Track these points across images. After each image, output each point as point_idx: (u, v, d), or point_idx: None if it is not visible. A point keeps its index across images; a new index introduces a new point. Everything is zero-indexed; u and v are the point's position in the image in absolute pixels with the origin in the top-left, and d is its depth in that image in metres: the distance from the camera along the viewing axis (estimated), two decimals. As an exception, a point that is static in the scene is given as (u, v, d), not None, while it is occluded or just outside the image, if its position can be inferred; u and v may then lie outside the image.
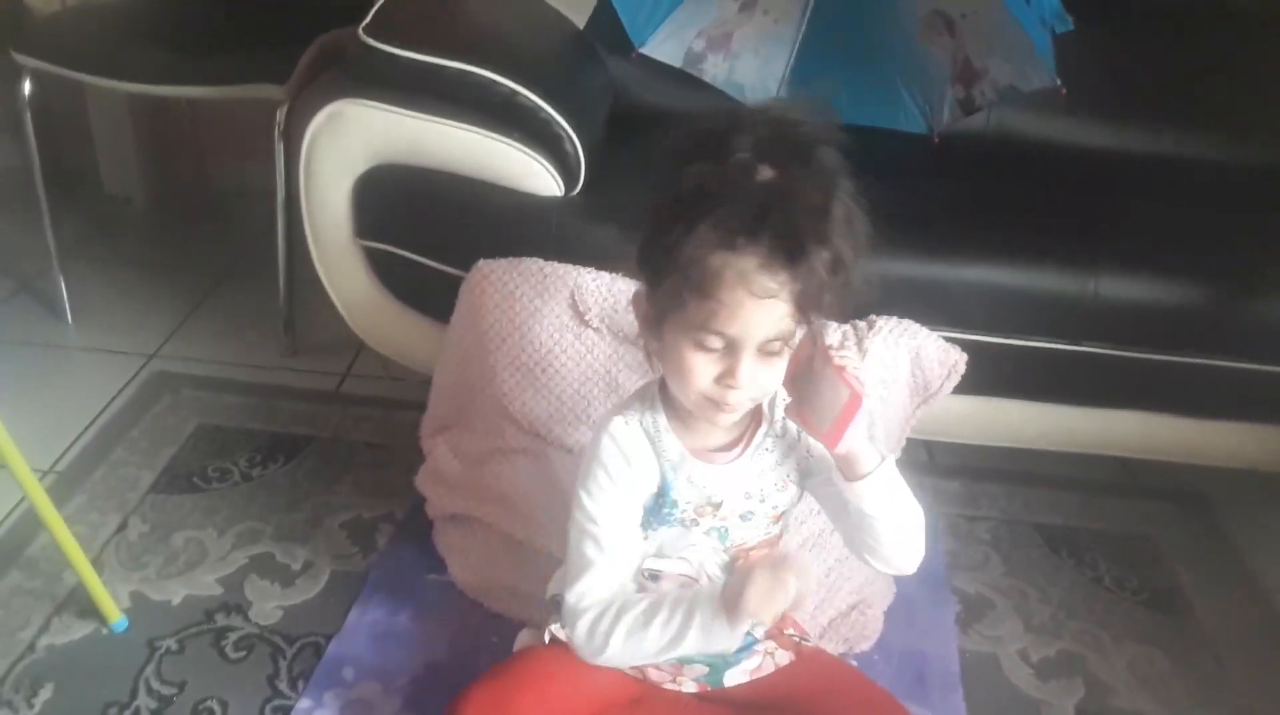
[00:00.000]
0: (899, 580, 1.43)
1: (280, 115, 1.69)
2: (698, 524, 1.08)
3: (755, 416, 1.08)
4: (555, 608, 1.19)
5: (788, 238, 0.90)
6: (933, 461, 1.69)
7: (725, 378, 0.96)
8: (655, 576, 1.10)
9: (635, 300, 1.03)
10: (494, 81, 1.37)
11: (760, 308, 0.92)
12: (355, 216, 1.46)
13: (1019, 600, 1.48)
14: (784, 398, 1.08)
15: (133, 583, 1.38)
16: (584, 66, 1.61)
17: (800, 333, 0.98)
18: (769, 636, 1.17)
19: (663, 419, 1.06)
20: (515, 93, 1.37)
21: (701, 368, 0.96)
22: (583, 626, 1.06)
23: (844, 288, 0.95)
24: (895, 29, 1.72)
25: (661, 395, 1.07)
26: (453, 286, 1.43)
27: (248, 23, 1.85)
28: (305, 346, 1.93)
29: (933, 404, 1.45)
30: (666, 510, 1.06)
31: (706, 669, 1.14)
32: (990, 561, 1.55)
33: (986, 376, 1.45)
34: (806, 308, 0.94)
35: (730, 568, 1.10)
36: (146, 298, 2.08)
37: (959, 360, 1.42)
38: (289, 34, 1.69)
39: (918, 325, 1.41)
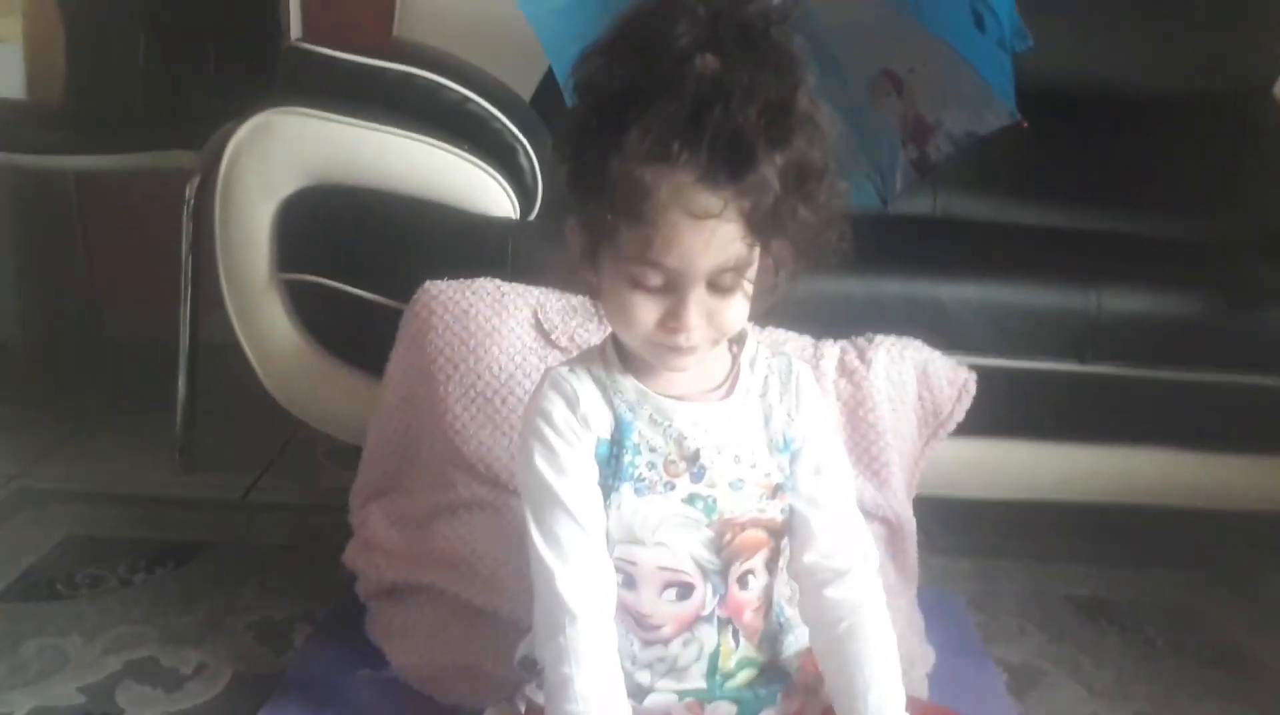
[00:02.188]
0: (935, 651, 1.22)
1: (191, 188, 1.54)
2: (673, 487, 0.85)
3: (734, 363, 0.89)
4: (528, 670, 0.94)
5: (732, 141, 0.73)
6: (932, 542, 1.50)
7: (669, 320, 0.78)
8: (631, 581, 0.86)
9: (569, 230, 0.84)
10: (441, 85, 1.24)
11: (701, 231, 0.74)
12: (278, 246, 1.27)
13: (1072, 667, 1.26)
14: (767, 355, 0.90)
15: (-39, 697, 1.06)
16: (532, 107, 1.51)
17: (757, 260, 0.79)
18: (807, 672, 0.93)
19: (616, 366, 0.87)
20: (465, 99, 1.25)
21: (642, 309, 0.79)
22: (570, 639, 0.81)
23: (809, 204, 0.78)
24: (842, 103, 1.70)
25: (614, 345, 0.88)
26: (390, 325, 1.23)
27: (159, 95, 1.73)
28: (205, 466, 1.67)
29: (943, 435, 1.28)
30: (628, 459, 0.84)
31: (735, 710, 0.90)
32: (1027, 632, 1.34)
33: (994, 410, 1.30)
34: (762, 229, 0.76)
35: (717, 549, 0.86)
36: (15, 426, 1.80)
37: (968, 379, 1.27)
38: (206, 107, 1.57)
39: (920, 342, 1.28)
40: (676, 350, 0.81)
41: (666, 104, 0.73)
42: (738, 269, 0.78)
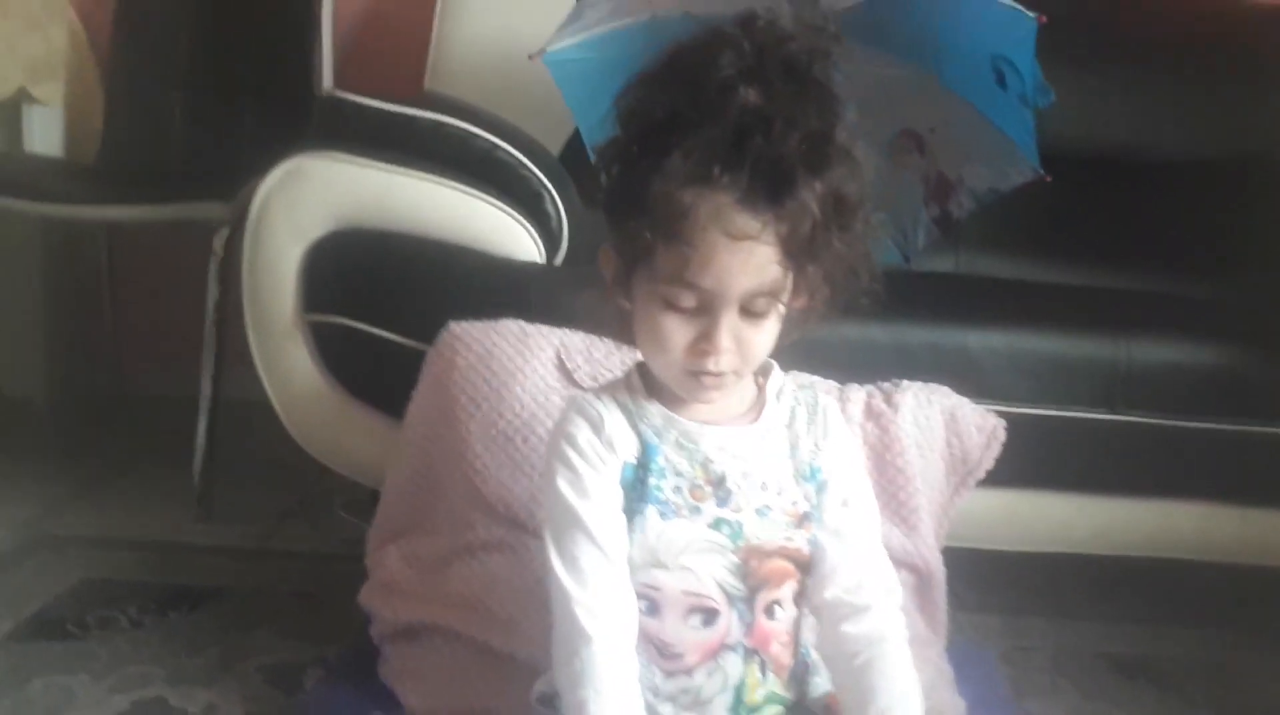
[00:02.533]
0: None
1: (220, 240, 1.56)
2: (699, 512, 0.84)
3: (760, 393, 0.89)
4: (546, 706, 0.91)
5: (772, 167, 0.75)
6: (960, 599, 1.46)
7: (701, 342, 0.79)
8: (654, 607, 0.84)
9: (603, 256, 0.85)
10: (471, 134, 1.27)
11: (738, 252, 0.76)
12: (305, 288, 1.27)
13: (1109, 724, 1.21)
14: (793, 387, 0.90)
15: (-35, 735, 1.04)
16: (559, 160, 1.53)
17: (789, 289, 0.80)
18: (832, 710, 0.90)
19: (641, 394, 0.86)
20: (495, 146, 1.27)
21: (674, 331, 0.79)
22: (586, 662, 0.79)
23: (844, 234, 0.79)
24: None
25: (640, 375, 0.88)
26: (412, 368, 1.22)
27: (194, 152, 1.76)
28: (222, 516, 1.65)
29: (972, 483, 1.26)
30: (653, 482, 0.83)
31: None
32: (1059, 687, 1.29)
33: (1024, 460, 1.27)
34: (797, 254, 0.77)
35: (743, 575, 0.84)
36: (37, 476, 1.79)
37: (998, 426, 1.25)
38: (239, 162, 1.59)
39: (948, 389, 1.26)
40: (705, 376, 0.80)
41: (709, 130, 0.75)
42: (771, 294, 0.79)
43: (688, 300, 0.78)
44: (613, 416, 0.85)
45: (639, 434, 0.85)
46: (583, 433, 0.85)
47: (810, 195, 0.76)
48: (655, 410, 0.86)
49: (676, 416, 0.85)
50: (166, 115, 1.90)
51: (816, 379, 1.30)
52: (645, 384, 0.87)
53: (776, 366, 0.91)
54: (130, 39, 1.96)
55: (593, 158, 1.52)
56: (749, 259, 0.76)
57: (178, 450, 1.77)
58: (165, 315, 2.09)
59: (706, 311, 0.78)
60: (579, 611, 0.81)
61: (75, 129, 2.03)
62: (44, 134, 2.02)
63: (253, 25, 1.93)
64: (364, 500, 1.62)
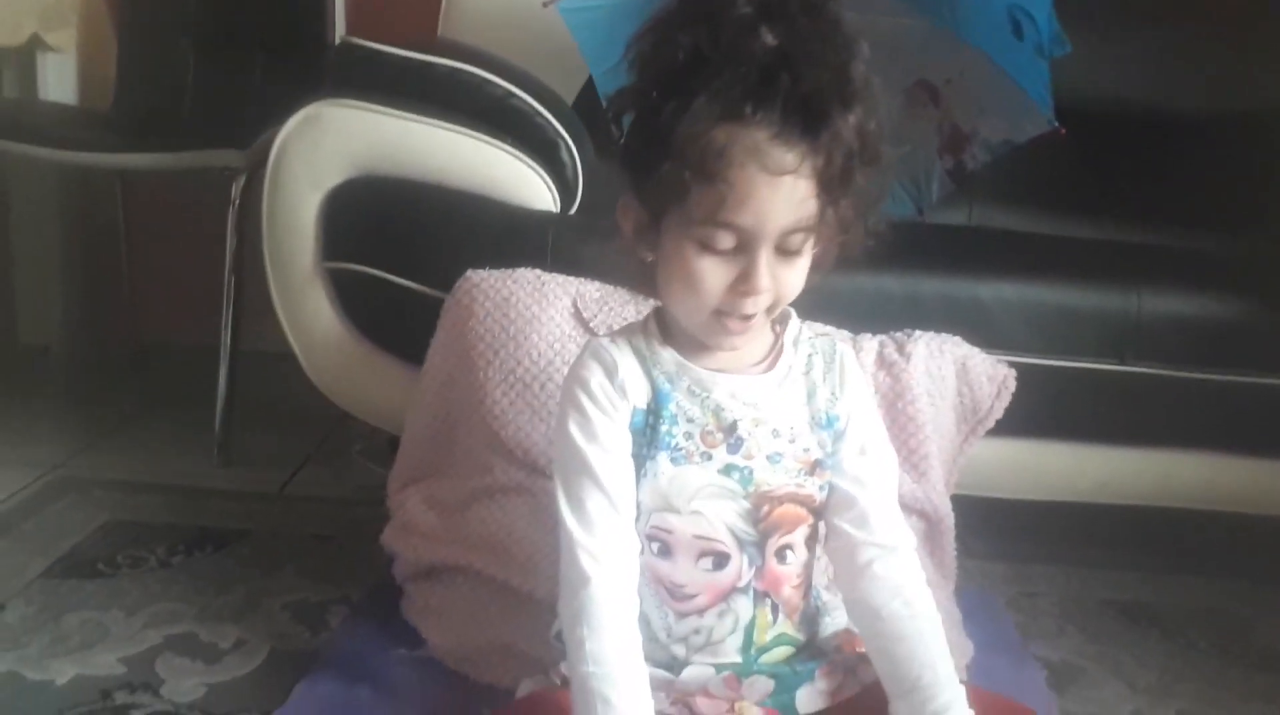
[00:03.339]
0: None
1: (237, 188, 1.57)
2: (710, 458, 0.84)
3: (777, 341, 0.89)
4: (564, 646, 0.93)
5: (804, 102, 0.75)
6: (967, 546, 1.48)
7: (740, 284, 0.78)
8: (666, 550, 0.86)
9: (622, 209, 0.84)
10: (487, 81, 1.27)
11: (778, 189, 0.76)
12: (324, 236, 1.29)
13: (1114, 666, 1.24)
14: (810, 335, 0.90)
15: (4, 664, 1.07)
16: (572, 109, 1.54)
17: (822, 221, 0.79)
18: (845, 652, 0.92)
19: (656, 337, 0.87)
20: (510, 94, 1.27)
21: (710, 274, 0.78)
22: (584, 602, 0.81)
23: (874, 166, 0.80)
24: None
25: (657, 321, 0.88)
26: (431, 315, 1.24)
27: (207, 100, 1.76)
28: (242, 461, 1.69)
29: (982, 432, 1.28)
30: (664, 429, 0.84)
31: (772, 684, 0.88)
32: (1066, 631, 1.32)
33: (1034, 410, 1.29)
34: (832, 187, 0.78)
35: (754, 521, 0.85)
36: (57, 421, 1.83)
37: (1008, 376, 1.26)
38: (253, 110, 1.60)
39: (959, 339, 1.27)
40: (735, 320, 0.80)
41: (734, 69, 0.75)
42: (807, 229, 0.79)
43: (725, 241, 0.78)
44: (626, 361, 0.86)
45: (652, 380, 0.85)
46: (596, 377, 0.85)
47: (844, 127, 0.76)
48: (669, 356, 0.86)
49: (690, 363, 0.86)
50: (180, 63, 1.90)
51: (830, 328, 1.32)
52: (661, 330, 0.88)
53: (794, 314, 0.91)
54: (142, -15, 1.95)
55: (606, 106, 1.53)
56: (789, 194, 0.76)
57: (194, 397, 1.81)
58: (180, 263, 2.11)
59: (744, 251, 0.78)
60: (581, 554, 0.83)
61: (89, 76, 2.04)
62: (58, 81, 2.03)
63: (264, -30, 1.93)
64: (381, 446, 1.65)
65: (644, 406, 0.85)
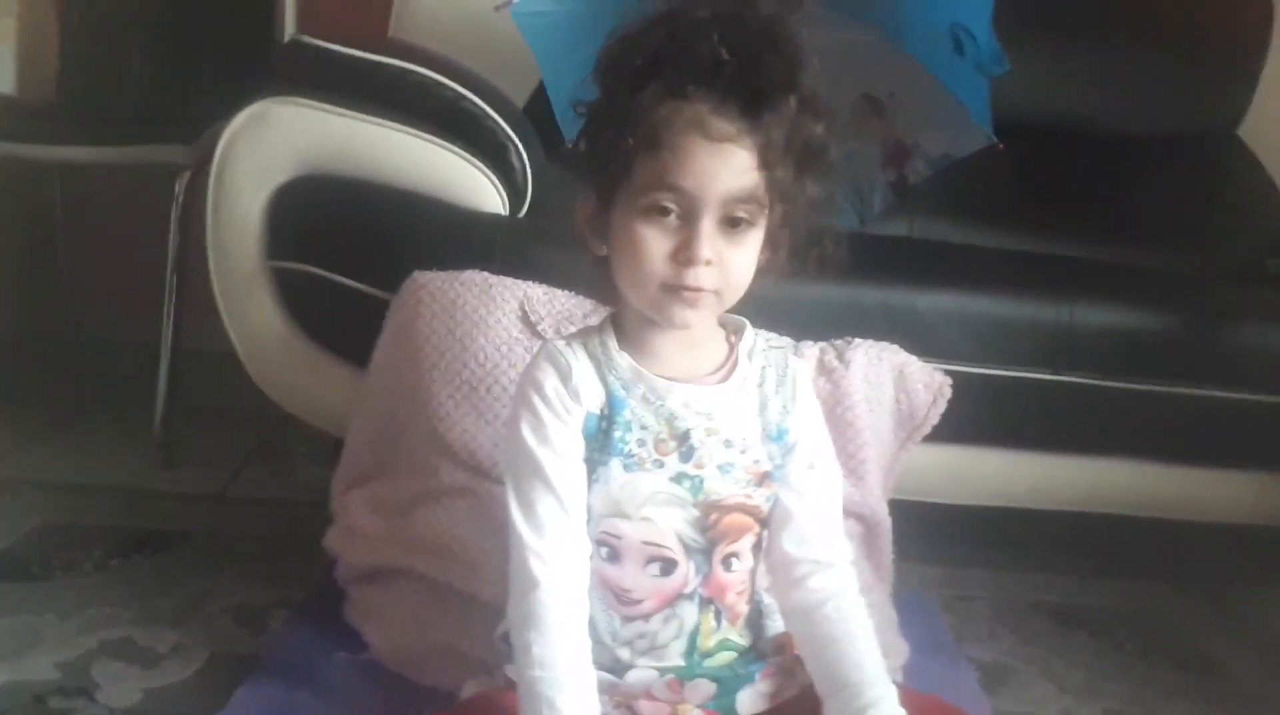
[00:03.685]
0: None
1: (181, 184, 1.55)
2: (661, 466, 0.85)
3: (732, 352, 0.91)
4: (509, 648, 0.94)
5: (746, 85, 0.79)
6: (904, 549, 1.52)
7: (682, 252, 0.80)
8: (614, 555, 0.87)
9: (578, 206, 0.87)
10: (437, 83, 1.27)
11: (717, 154, 0.79)
12: (269, 234, 1.28)
13: (1043, 667, 1.29)
14: (764, 348, 0.92)
15: (-68, 670, 1.05)
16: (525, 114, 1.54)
17: (767, 206, 0.82)
18: (785, 654, 0.94)
19: (613, 343, 0.88)
20: (460, 97, 1.28)
21: (653, 241, 0.80)
22: (533, 606, 0.82)
23: (817, 163, 0.83)
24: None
25: (614, 323, 0.89)
26: (377, 316, 1.24)
27: (152, 94, 1.74)
28: (182, 462, 1.66)
29: (918, 438, 1.31)
30: (618, 435, 0.85)
31: (714, 688, 0.90)
32: (997, 634, 1.36)
33: (969, 417, 1.33)
34: (773, 162, 0.80)
35: (702, 528, 0.87)
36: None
37: (944, 383, 1.30)
38: (199, 106, 1.58)
39: (898, 347, 1.30)
40: (684, 291, 0.81)
41: (686, 61, 0.79)
42: (750, 200, 0.80)
43: (667, 203, 0.80)
44: (581, 366, 0.87)
45: (606, 385, 0.86)
46: (550, 381, 0.86)
47: (784, 108, 0.80)
48: (625, 362, 0.87)
49: (645, 371, 0.87)
50: (124, 56, 1.87)
51: (771, 336, 1.34)
52: (617, 334, 0.89)
53: (749, 326, 0.93)
54: (87, -24, 1.92)
55: (557, 112, 1.54)
56: (728, 160, 0.79)
57: (134, 396, 1.78)
58: (120, 259, 2.07)
59: (686, 221, 0.80)
60: (531, 558, 0.83)
61: (29, 67, 1.99)
62: (-4, 71, 1.98)
63: (213, -34, 1.91)
64: (325, 448, 1.64)
65: (597, 411, 0.86)
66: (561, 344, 0.89)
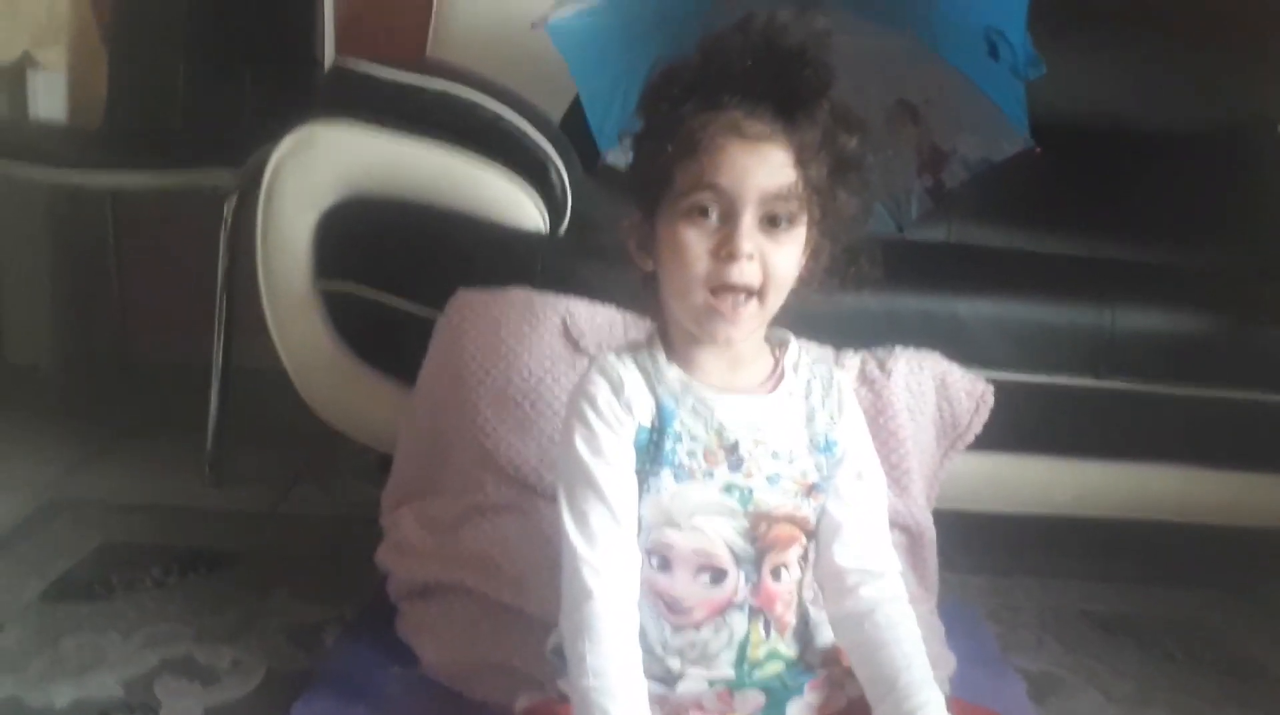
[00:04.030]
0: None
1: (229, 207, 1.58)
2: (711, 476, 0.88)
3: (777, 365, 0.93)
4: (561, 659, 0.95)
5: (779, 93, 0.83)
6: (948, 560, 1.51)
7: (724, 246, 0.83)
8: (666, 564, 0.88)
9: (623, 230, 0.90)
10: (478, 103, 1.29)
11: (753, 152, 0.82)
12: (317, 256, 1.31)
13: (1090, 676, 1.28)
14: (809, 361, 0.94)
15: (4, 688, 1.08)
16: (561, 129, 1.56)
17: (806, 207, 0.85)
18: (834, 666, 0.95)
19: (661, 356, 0.90)
20: (500, 117, 1.29)
21: (695, 242, 0.83)
22: (586, 616, 0.84)
23: (845, 160, 0.86)
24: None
25: (661, 337, 0.92)
26: (423, 333, 1.26)
27: (197, 118, 1.78)
28: (233, 481, 1.69)
29: (961, 447, 1.31)
30: (668, 446, 0.87)
31: (763, 699, 0.91)
32: (1045, 644, 1.35)
33: (1011, 425, 1.33)
34: (808, 159, 0.83)
35: (752, 539, 0.89)
36: (47, 441, 1.82)
37: (986, 391, 1.30)
38: (243, 129, 1.62)
39: (939, 355, 1.31)
40: (727, 293, 0.83)
41: (719, 80, 0.83)
42: (788, 196, 0.83)
43: (708, 203, 0.83)
44: (632, 379, 0.89)
45: (656, 397, 0.89)
46: (603, 394, 0.88)
47: (817, 111, 0.84)
48: (674, 374, 0.89)
49: (694, 382, 0.89)
50: (170, 81, 1.91)
51: (812, 346, 1.35)
52: (666, 348, 0.91)
53: (794, 339, 0.95)
54: (132, 5, 1.96)
55: (594, 126, 1.56)
56: (765, 158, 0.83)
57: (183, 416, 1.82)
58: (170, 281, 2.12)
59: (727, 219, 0.83)
60: (584, 569, 0.86)
61: (79, 94, 2.05)
62: (48, 99, 2.03)
63: (254, -9, 1.95)
64: (372, 465, 1.67)
65: (648, 424, 0.88)
66: (612, 357, 0.91)
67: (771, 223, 0.84)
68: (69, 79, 1.98)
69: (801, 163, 0.83)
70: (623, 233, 0.90)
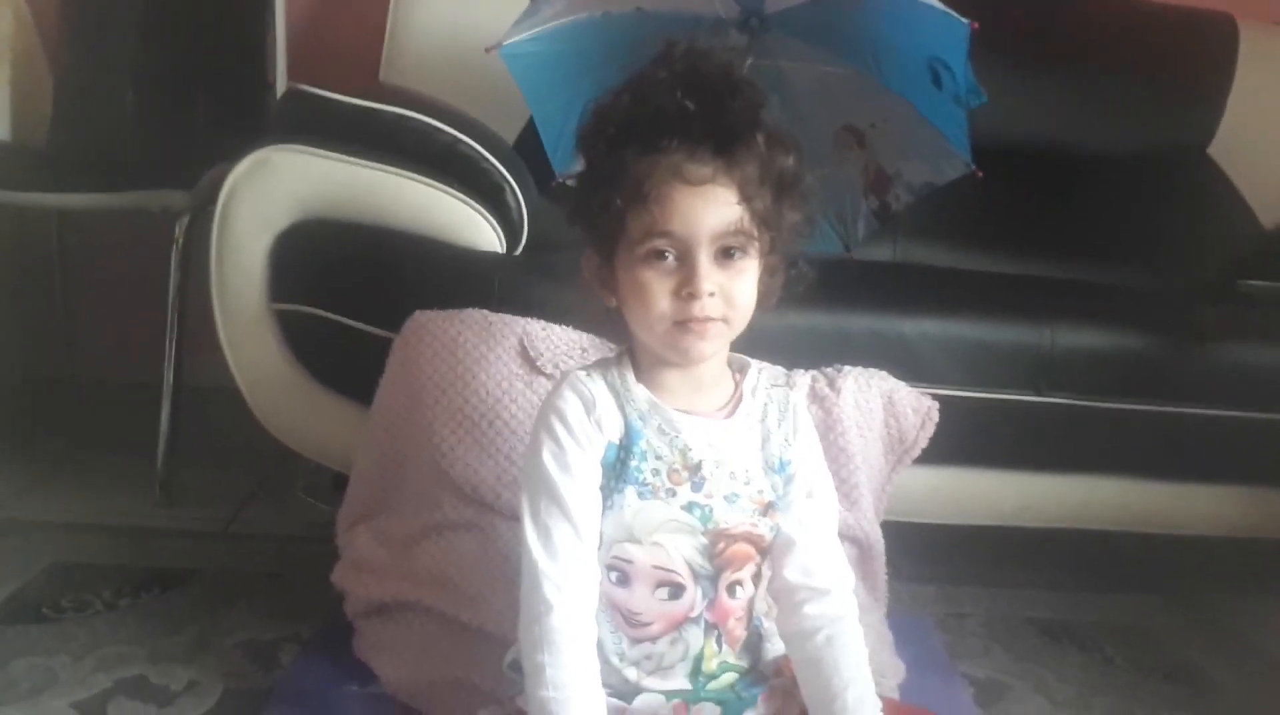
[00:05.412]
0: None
1: (181, 227, 1.58)
2: (674, 495, 0.90)
3: (737, 389, 0.95)
4: (518, 673, 0.97)
5: (716, 128, 0.85)
6: (898, 569, 1.55)
7: (684, 287, 0.85)
8: (625, 579, 0.90)
9: (584, 261, 0.92)
10: (434, 128, 1.31)
11: (699, 195, 0.84)
12: (272, 278, 1.31)
13: (1036, 682, 1.32)
14: (767, 385, 0.97)
15: (-49, 714, 1.07)
16: (514, 151, 1.58)
17: (757, 235, 0.87)
18: (784, 676, 0.97)
19: (630, 376, 0.92)
20: (456, 140, 1.31)
21: (657, 283, 0.86)
22: (546, 629, 0.85)
23: (785, 179, 0.88)
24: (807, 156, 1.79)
25: (630, 357, 0.94)
26: (379, 355, 1.27)
27: (146, 139, 1.76)
28: (184, 501, 1.68)
29: (908, 461, 1.34)
30: (634, 465, 0.89)
31: (719, 711, 0.93)
32: (991, 651, 1.39)
33: (956, 440, 1.36)
34: (751, 193, 0.86)
35: (710, 556, 0.91)
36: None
37: (931, 407, 1.34)
38: (193, 151, 1.61)
39: (886, 373, 1.34)
40: (693, 323, 0.85)
41: (656, 117, 0.85)
42: (739, 232, 0.85)
43: (665, 249, 0.85)
44: (603, 396, 0.91)
45: (625, 416, 0.90)
46: (574, 410, 0.90)
47: (753, 143, 0.85)
48: (642, 395, 0.91)
49: (661, 403, 0.91)
50: (118, 102, 1.89)
51: (764, 365, 1.38)
52: (634, 366, 0.93)
53: (753, 364, 0.98)
54: (79, 23, 1.94)
55: (548, 146, 1.58)
56: (711, 199, 0.85)
57: (132, 435, 1.80)
58: (117, 300, 2.09)
59: (684, 260, 0.85)
60: (545, 583, 0.87)
61: (22, 112, 2.02)
62: (-12, 117, 2.00)
63: (205, 12, 1.93)
64: (325, 483, 1.67)
65: (617, 441, 0.90)
66: (583, 375, 0.93)
67: (726, 255, 0.86)
68: (11, 96, 1.95)
69: (746, 198, 0.86)
70: (583, 271, 0.93)
